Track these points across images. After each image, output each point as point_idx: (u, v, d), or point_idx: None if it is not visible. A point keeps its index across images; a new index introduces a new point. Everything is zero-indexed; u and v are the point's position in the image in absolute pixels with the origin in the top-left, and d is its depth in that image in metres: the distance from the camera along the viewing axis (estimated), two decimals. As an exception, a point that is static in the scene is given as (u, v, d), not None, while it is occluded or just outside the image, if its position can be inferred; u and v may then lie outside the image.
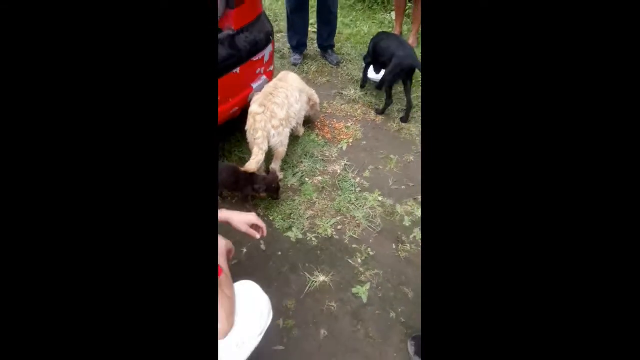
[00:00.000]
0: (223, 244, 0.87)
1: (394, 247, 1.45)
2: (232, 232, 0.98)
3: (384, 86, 2.02)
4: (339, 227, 1.51)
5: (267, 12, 2.33)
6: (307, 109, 1.81)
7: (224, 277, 0.78)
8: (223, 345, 0.74)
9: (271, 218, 1.52)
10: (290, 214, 1.54)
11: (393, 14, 3.00)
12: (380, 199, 1.63)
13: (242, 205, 1.55)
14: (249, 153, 1.58)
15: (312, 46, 2.66)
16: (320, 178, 1.71)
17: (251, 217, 1.07)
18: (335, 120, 2.07)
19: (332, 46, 2.59)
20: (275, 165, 1.63)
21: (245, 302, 0.80)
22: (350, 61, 2.62)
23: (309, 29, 2.54)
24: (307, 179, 1.70)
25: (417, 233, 1.49)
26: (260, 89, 1.61)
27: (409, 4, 2.82)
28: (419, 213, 1.57)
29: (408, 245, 1.45)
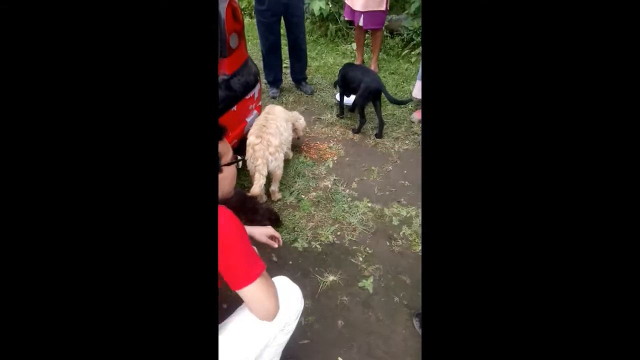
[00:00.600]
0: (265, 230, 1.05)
1: (388, 243, 1.67)
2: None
3: (356, 108, 2.32)
4: (338, 233, 1.72)
5: (244, 54, 2.59)
6: (292, 135, 2.05)
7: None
8: (273, 325, 0.91)
9: (277, 233, 1.70)
10: (294, 227, 1.73)
11: (354, 44, 3.38)
12: (369, 205, 1.86)
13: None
14: (247, 179, 1.78)
15: (287, 80, 2.95)
16: (314, 193, 1.93)
17: (269, 230, 1.27)
18: (318, 142, 2.32)
19: (304, 78, 2.88)
20: (274, 187, 1.83)
21: (282, 291, 0.97)
22: (322, 89, 2.92)
23: (282, 65, 2.83)
24: (303, 196, 1.91)
25: (405, 229, 1.73)
26: (252, 122, 1.83)
27: (367, 36, 3.20)
28: (404, 213, 1.82)
29: (399, 240, 1.68)
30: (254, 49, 3.34)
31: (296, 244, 1.65)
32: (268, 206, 1.69)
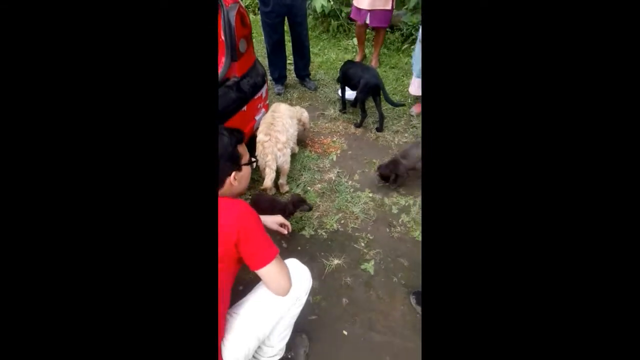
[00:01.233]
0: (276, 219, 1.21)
1: (388, 230, 1.82)
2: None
3: (357, 103, 2.44)
4: (342, 221, 1.87)
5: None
6: (299, 129, 2.18)
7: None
8: (287, 299, 1.07)
9: (286, 222, 1.86)
10: (301, 217, 1.88)
11: (355, 40, 3.48)
12: (370, 195, 2.00)
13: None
14: (257, 173, 1.93)
15: (291, 76, 3.07)
16: (319, 185, 2.08)
17: (279, 218, 1.43)
18: (322, 136, 2.46)
19: (308, 75, 3.00)
20: (282, 180, 1.98)
21: (294, 270, 1.13)
22: (326, 85, 3.04)
23: (286, 62, 2.95)
24: (309, 188, 2.06)
25: (404, 217, 1.88)
26: (260, 120, 1.97)
27: (367, 31, 3.29)
28: (402, 202, 1.96)
29: (398, 227, 1.83)
30: (258, 46, 3.46)
31: (304, 232, 1.81)
32: (292, 197, 1.77)
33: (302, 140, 2.35)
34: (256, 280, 1.08)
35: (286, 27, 2.70)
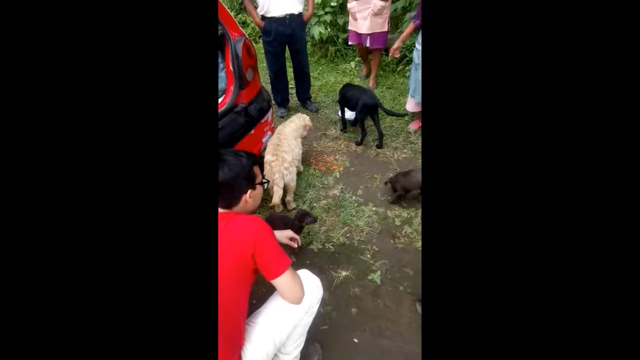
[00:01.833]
0: (286, 234, 1.30)
1: (392, 241, 1.90)
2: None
3: (357, 123, 2.58)
4: (348, 234, 1.95)
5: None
6: (304, 134, 2.30)
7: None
8: (300, 307, 1.15)
9: (294, 238, 1.94)
10: (309, 232, 1.97)
11: (352, 63, 3.67)
12: (374, 209, 2.10)
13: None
14: (265, 191, 2.03)
15: (293, 100, 3.23)
16: (324, 201, 2.18)
17: (289, 233, 1.52)
18: (325, 155, 2.58)
19: (309, 97, 3.16)
20: (290, 197, 2.08)
21: (305, 280, 1.21)
22: (326, 107, 3.20)
23: (288, 86, 3.12)
24: (314, 204, 2.16)
25: (406, 229, 1.96)
26: (267, 142, 2.10)
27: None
28: (405, 214, 2.05)
29: (402, 238, 1.91)
30: (261, 73, 3.62)
31: (312, 246, 1.89)
32: (296, 213, 1.85)
33: (306, 159, 2.47)
34: (268, 294, 1.16)
35: (287, 54, 2.88)
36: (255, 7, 2.61)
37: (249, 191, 1.13)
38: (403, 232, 1.95)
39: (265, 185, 1.25)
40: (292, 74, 3.02)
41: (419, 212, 2.05)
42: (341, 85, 2.79)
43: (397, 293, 1.65)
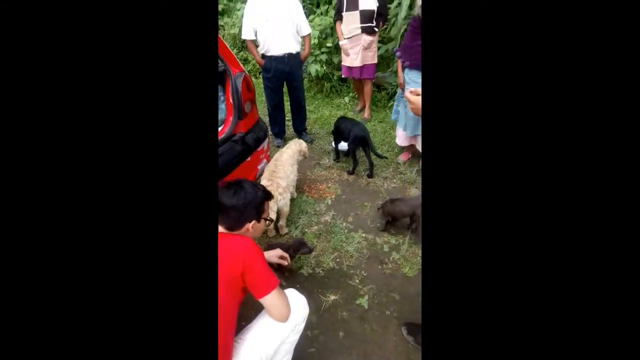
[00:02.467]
0: (275, 253, 1.37)
1: (380, 267, 1.96)
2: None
3: (349, 153, 2.72)
4: (338, 260, 2.01)
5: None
6: (300, 159, 2.42)
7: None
8: (287, 325, 1.20)
9: (285, 262, 1.99)
10: (299, 257, 2.02)
11: (346, 98, 3.88)
12: (363, 235, 2.17)
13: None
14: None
15: (289, 131, 3.39)
16: (316, 227, 2.25)
17: (278, 252, 1.59)
18: (318, 183, 2.69)
19: (304, 129, 3.32)
20: (282, 222, 2.16)
21: (292, 299, 1.26)
22: (320, 138, 3.35)
23: (285, 119, 3.29)
24: (306, 230, 2.23)
25: (394, 255, 2.02)
26: (263, 169, 2.21)
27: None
28: (393, 241, 2.12)
29: (389, 264, 1.97)
30: (260, 106, 3.81)
31: (302, 270, 1.94)
32: (293, 242, 1.90)
33: (300, 187, 2.57)
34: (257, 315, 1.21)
35: (285, 89, 3.08)
36: (257, 47, 2.83)
37: (254, 222, 1.23)
38: (391, 258, 2.01)
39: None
40: (289, 107, 3.20)
41: (407, 239, 2.12)
42: (335, 118, 2.95)
43: (384, 317, 1.68)
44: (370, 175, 2.71)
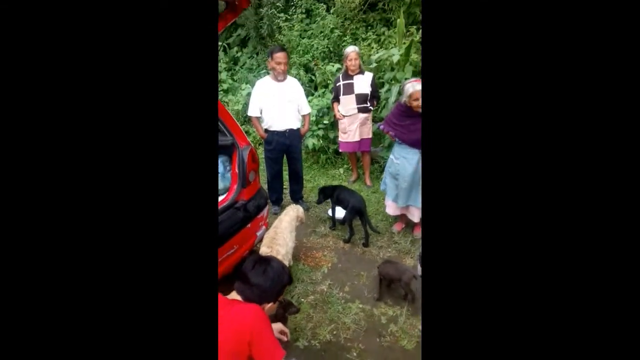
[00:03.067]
0: (276, 327, 1.36)
1: (378, 340, 1.91)
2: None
3: (346, 222, 2.80)
4: (334, 332, 1.96)
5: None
6: (297, 224, 2.49)
7: None
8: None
9: (281, 334, 1.93)
10: (295, 328, 1.97)
11: (341, 169, 4.11)
12: (360, 306, 2.15)
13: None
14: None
15: (286, 199, 3.52)
16: (312, 297, 2.22)
17: (279, 326, 1.58)
18: (314, 251, 2.72)
19: (301, 197, 3.45)
20: (279, 291, 2.14)
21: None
22: (316, 207, 3.46)
23: (283, 187, 3.44)
24: (302, 299, 2.20)
25: (392, 327, 1.99)
26: (262, 235, 2.27)
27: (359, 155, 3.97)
28: (390, 312, 2.10)
29: (387, 337, 1.92)
30: (260, 174, 4.00)
31: (298, 343, 1.87)
32: (285, 302, 1.91)
33: (295, 254, 2.59)
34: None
35: (284, 160, 3.29)
36: (260, 122, 3.11)
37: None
38: (389, 330, 1.97)
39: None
40: (288, 176, 3.38)
41: (404, 310, 2.10)
42: (332, 187, 3.10)
43: (384, 396, 1.60)
44: (365, 245, 2.77)
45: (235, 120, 2.32)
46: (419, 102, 2.40)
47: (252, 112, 3.06)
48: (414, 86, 2.41)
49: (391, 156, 2.81)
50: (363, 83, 3.43)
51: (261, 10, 5.90)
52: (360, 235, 2.88)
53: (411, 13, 4.69)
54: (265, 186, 3.30)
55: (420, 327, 1.95)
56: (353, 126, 3.57)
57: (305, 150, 4.47)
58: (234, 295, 1.25)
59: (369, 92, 3.45)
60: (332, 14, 5.29)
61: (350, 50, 3.41)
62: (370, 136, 3.68)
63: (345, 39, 5.11)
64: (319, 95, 4.55)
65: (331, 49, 5.14)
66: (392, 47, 4.20)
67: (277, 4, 5.85)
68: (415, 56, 3.82)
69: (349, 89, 3.46)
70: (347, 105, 3.51)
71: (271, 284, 1.24)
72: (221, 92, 5.56)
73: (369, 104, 3.50)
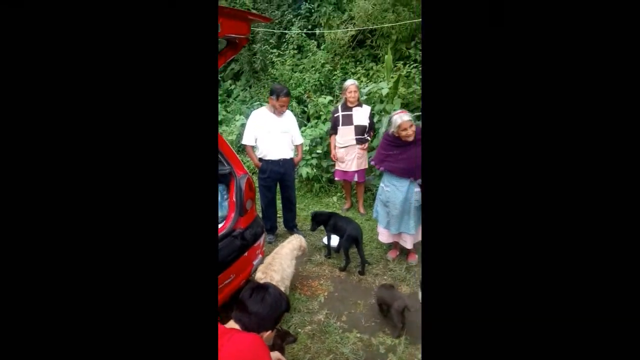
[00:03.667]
0: (275, 355, 1.33)
1: (378, 371, 1.87)
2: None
3: (340, 249, 2.81)
4: (333, 363, 1.92)
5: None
6: (299, 254, 2.48)
7: None
8: None
9: (278, 366, 1.87)
10: (293, 359, 1.92)
11: (334, 197, 4.16)
12: (358, 335, 2.11)
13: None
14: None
15: (281, 227, 3.52)
16: (309, 327, 2.18)
17: (277, 355, 1.55)
18: (310, 280, 2.69)
19: (295, 225, 3.46)
20: (275, 321, 2.10)
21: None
22: (311, 235, 3.46)
23: (277, 216, 3.45)
24: (299, 330, 2.16)
25: (391, 356, 1.95)
26: (258, 264, 2.26)
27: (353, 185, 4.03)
28: (389, 341, 2.07)
29: (387, 367, 1.89)
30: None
31: (296, 376, 1.82)
32: (282, 331, 1.88)
33: (292, 283, 2.56)
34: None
35: (277, 188, 3.33)
36: (254, 151, 3.17)
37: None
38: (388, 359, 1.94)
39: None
40: (281, 204, 3.40)
41: (402, 339, 2.08)
42: (328, 216, 3.13)
43: None
44: (361, 272, 2.76)
45: (233, 150, 2.37)
46: (407, 132, 2.53)
47: (247, 140, 3.14)
48: (401, 117, 2.55)
49: (381, 184, 2.88)
50: (362, 115, 3.59)
51: (254, 46, 6.18)
52: (356, 263, 2.88)
53: (397, 49, 4.99)
54: (260, 214, 3.32)
55: (419, 356, 1.93)
56: (350, 156, 3.69)
57: (299, 179, 4.53)
58: (232, 324, 1.24)
59: (367, 124, 3.60)
60: (323, 49, 5.58)
61: (350, 83, 3.58)
62: (366, 167, 3.79)
63: (335, 72, 5.36)
64: (312, 126, 4.69)
65: (322, 82, 5.37)
66: (380, 81, 4.42)
67: (270, 40, 6.15)
68: (402, 89, 4.03)
69: (348, 120, 3.60)
70: (345, 136, 3.64)
71: (269, 311, 1.23)
72: (215, 123, 5.66)
73: (366, 135, 3.66)
